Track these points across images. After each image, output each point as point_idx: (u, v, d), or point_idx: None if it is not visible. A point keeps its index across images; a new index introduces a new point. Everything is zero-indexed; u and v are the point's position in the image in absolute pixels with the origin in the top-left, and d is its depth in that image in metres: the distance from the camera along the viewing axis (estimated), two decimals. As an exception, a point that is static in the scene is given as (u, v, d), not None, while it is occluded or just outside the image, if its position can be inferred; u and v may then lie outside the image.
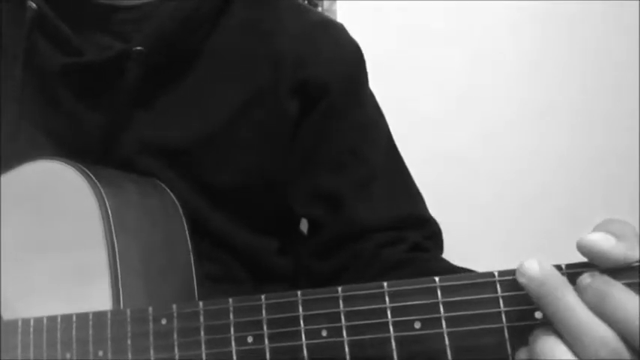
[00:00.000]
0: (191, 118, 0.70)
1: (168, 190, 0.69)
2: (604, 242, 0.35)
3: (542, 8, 1.82)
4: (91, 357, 0.53)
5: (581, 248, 0.36)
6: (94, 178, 0.61)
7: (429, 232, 0.72)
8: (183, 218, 0.68)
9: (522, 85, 1.82)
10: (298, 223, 0.83)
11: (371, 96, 0.77)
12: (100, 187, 0.60)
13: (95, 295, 0.57)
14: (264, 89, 0.70)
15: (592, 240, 0.35)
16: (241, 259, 0.74)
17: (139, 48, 0.65)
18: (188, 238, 0.67)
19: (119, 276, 0.57)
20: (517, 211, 1.74)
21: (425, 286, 0.40)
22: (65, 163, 0.62)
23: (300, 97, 0.71)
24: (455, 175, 1.77)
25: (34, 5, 0.68)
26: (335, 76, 0.71)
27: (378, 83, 1.80)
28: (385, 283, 0.42)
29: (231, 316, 0.47)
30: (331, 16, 1.83)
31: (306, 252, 0.76)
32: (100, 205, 0.59)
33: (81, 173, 0.61)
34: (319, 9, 1.85)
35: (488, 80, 1.82)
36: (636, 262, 0.35)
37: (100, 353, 0.53)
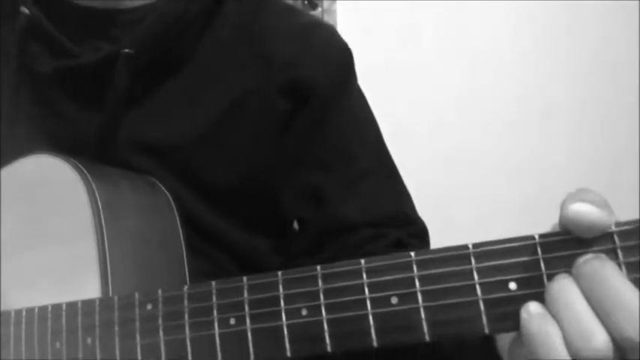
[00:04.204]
0: (183, 117, 0.71)
1: (162, 187, 0.69)
2: (589, 213, 0.35)
3: (542, 8, 1.82)
4: (80, 345, 0.53)
5: (568, 220, 0.36)
6: (85, 171, 0.61)
7: (414, 231, 0.72)
8: (177, 214, 0.68)
9: (522, 86, 1.82)
10: (292, 222, 0.84)
11: (360, 95, 0.78)
12: (91, 180, 0.60)
13: (86, 286, 0.58)
14: (254, 89, 0.71)
15: (578, 211, 0.35)
16: (235, 257, 0.75)
17: (127, 50, 0.66)
18: (181, 233, 0.67)
19: (108, 267, 0.58)
20: (516, 211, 1.73)
21: (401, 260, 0.40)
22: (57, 157, 0.63)
23: (289, 96, 0.71)
24: (454, 175, 1.77)
25: (26, 11, 0.69)
26: (323, 75, 0.72)
27: (378, 83, 1.80)
28: (362, 260, 0.42)
29: (214, 298, 0.47)
30: (331, 16, 1.84)
31: (294, 249, 0.76)
32: (90, 197, 0.59)
33: (72, 166, 0.61)
34: (319, 9, 1.86)
35: (489, 80, 1.82)
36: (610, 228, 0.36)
37: (89, 340, 0.53)
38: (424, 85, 1.83)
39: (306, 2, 1.87)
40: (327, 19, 1.84)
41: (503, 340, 0.40)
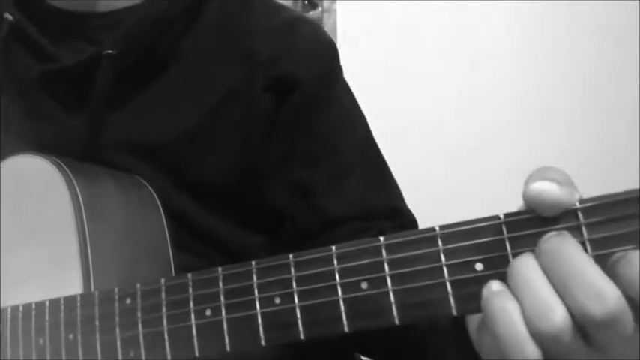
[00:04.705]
0: (168, 116, 0.71)
1: (147, 184, 0.69)
2: (550, 191, 0.35)
3: (543, 8, 1.81)
4: (63, 341, 0.53)
5: (529, 199, 0.35)
6: (65, 167, 0.61)
7: (402, 223, 0.72)
8: (162, 212, 0.68)
9: (522, 86, 1.82)
10: (284, 218, 0.84)
11: (346, 89, 0.78)
12: (72, 176, 0.61)
13: (69, 282, 0.58)
14: (239, 87, 0.71)
15: (539, 189, 0.35)
16: (228, 254, 0.74)
17: (109, 51, 0.67)
18: (167, 231, 0.67)
19: (90, 262, 0.58)
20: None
21: (370, 245, 0.40)
22: (38, 155, 0.63)
23: (274, 93, 0.71)
24: (454, 175, 1.76)
25: (10, 17, 0.69)
26: (307, 71, 0.72)
27: (378, 83, 1.79)
28: (333, 247, 0.42)
29: (190, 289, 0.47)
30: (331, 16, 1.84)
31: (285, 246, 0.76)
32: (71, 193, 0.59)
33: (53, 164, 0.62)
34: (319, 9, 1.86)
35: (489, 80, 1.82)
36: (573, 205, 0.35)
37: (71, 336, 0.53)
38: (424, 85, 1.83)
39: (306, 2, 1.87)
40: (327, 19, 1.84)
41: (474, 322, 0.40)
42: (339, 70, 0.77)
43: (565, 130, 1.78)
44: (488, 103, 1.80)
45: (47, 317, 0.55)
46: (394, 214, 0.73)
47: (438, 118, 1.80)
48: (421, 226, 0.75)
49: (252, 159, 0.72)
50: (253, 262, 0.45)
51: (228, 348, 0.45)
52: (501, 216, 0.37)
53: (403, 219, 0.73)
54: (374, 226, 0.69)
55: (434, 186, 1.70)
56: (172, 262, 0.67)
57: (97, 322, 0.52)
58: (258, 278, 0.44)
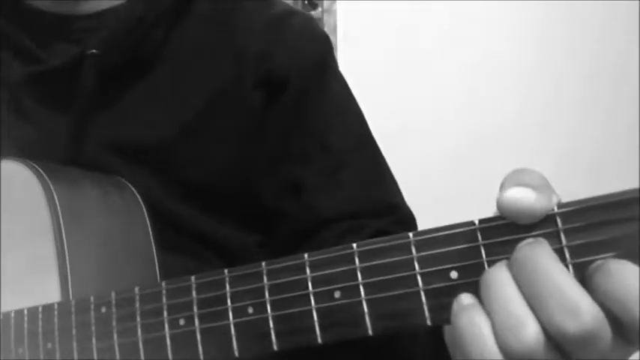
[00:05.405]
0: (156, 116, 0.70)
1: (130, 186, 0.68)
2: (526, 199, 0.33)
3: (543, 8, 1.80)
4: (41, 349, 0.53)
5: (503, 208, 0.34)
6: (41, 171, 0.60)
7: (399, 218, 0.70)
8: (145, 211, 0.67)
9: (522, 86, 1.81)
10: (278, 217, 0.82)
11: (340, 84, 0.76)
12: (48, 180, 0.59)
13: (47, 288, 0.57)
14: (229, 84, 0.70)
15: (514, 197, 0.33)
16: (222, 254, 0.73)
17: (93, 51, 0.66)
18: (150, 231, 0.66)
19: (68, 267, 0.57)
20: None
21: (343, 253, 0.39)
22: (13, 160, 0.62)
23: (264, 89, 0.70)
24: (454, 175, 1.75)
25: None
26: (297, 66, 0.71)
27: (377, 83, 1.78)
28: (306, 254, 0.40)
29: (164, 298, 0.46)
30: (331, 16, 1.83)
31: (278, 245, 0.74)
32: (47, 197, 0.58)
33: (28, 168, 0.61)
34: (319, 9, 1.85)
35: (489, 80, 1.80)
36: (552, 210, 0.33)
37: (49, 345, 0.52)
38: (424, 85, 1.82)
39: (306, 2, 1.86)
40: (327, 19, 1.83)
41: (450, 334, 0.38)
42: (332, 63, 0.75)
43: (565, 130, 1.77)
44: (489, 103, 1.79)
45: (26, 326, 0.54)
46: (390, 210, 0.71)
47: (438, 117, 1.78)
48: (420, 226, 0.74)
49: (244, 157, 0.71)
50: (226, 271, 0.43)
51: (202, 358, 0.44)
52: (476, 222, 0.35)
53: (400, 216, 0.71)
54: (369, 224, 0.67)
55: (434, 186, 1.69)
56: (157, 265, 0.65)
57: (74, 332, 0.51)
58: (231, 287, 0.43)
